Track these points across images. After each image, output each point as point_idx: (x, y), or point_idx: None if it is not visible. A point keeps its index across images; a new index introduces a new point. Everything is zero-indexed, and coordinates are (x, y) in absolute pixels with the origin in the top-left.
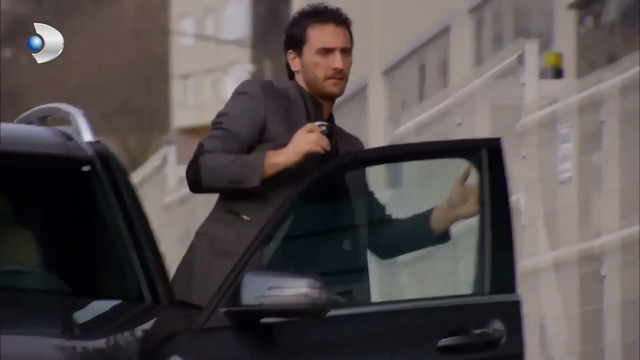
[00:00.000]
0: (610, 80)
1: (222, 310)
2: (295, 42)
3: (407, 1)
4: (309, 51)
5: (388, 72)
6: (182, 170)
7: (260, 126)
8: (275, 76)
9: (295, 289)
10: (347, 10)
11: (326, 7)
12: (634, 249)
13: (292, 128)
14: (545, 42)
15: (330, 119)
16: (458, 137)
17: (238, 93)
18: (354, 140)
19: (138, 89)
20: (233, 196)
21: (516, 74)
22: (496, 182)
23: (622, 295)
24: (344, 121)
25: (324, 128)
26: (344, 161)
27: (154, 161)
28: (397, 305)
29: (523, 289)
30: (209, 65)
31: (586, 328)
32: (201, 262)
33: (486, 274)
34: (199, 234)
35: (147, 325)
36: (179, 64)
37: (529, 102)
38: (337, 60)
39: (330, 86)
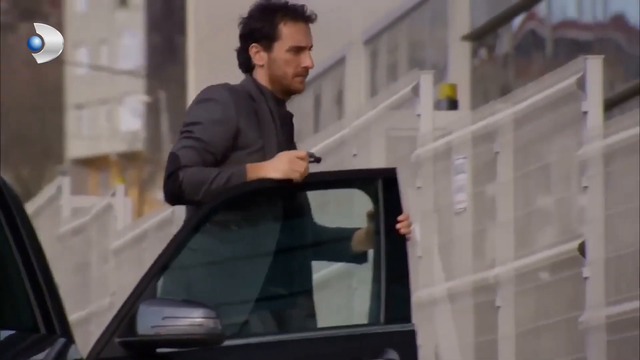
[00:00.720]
0: (504, 112)
1: (117, 340)
2: (263, 36)
3: None
4: (280, 48)
5: None
6: (76, 201)
7: (234, 133)
8: (169, 107)
9: (190, 319)
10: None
11: (294, 5)
12: (528, 279)
13: (261, 130)
14: (440, 74)
15: (289, 115)
16: (354, 168)
17: (205, 100)
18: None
19: (32, 119)
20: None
21: (411, 105)
22: (391, 212)
23: (516, 326)
24: None
25: (312, 159)
26: (243, 190)
27: (48, 192)
28: (294, 335)
29: (418, 319)
30: (103, 95)
31: (480, 358)
32: (197, 277)
33: (381, 303)
34: (189, 249)
35: (40, 356)
36: (73, 94)
37: (424, 133)
38: (307, 59)
39: (297, 83)
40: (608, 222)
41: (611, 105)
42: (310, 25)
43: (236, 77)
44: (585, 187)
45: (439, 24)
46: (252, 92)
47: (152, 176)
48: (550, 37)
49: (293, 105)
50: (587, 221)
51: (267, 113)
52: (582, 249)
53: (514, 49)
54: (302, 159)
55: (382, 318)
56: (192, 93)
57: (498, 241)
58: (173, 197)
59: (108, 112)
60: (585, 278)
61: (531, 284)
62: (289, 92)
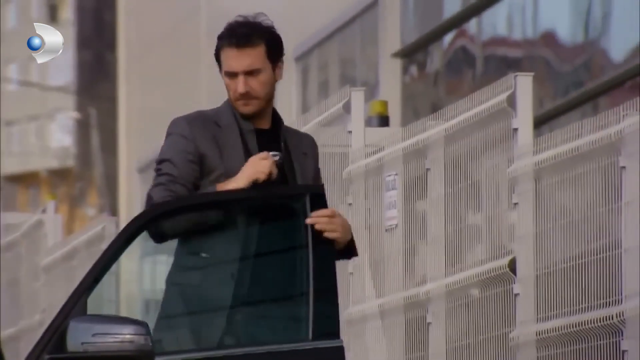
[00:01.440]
0: (435, 129)
1: (47, 357)
2: (217, 61)
3: None
4: (222, 73)
5: None
6: (7, 217)
7: (198, 161)
8: (100, 123)
9: (121, 336)
10: (174, 55)
11: (235, 26)
12: (458, 296)
13: (224, 156)
14: (371, 91)
15: (276, 124)
16: None
17: (168, 135)
18: (304, 137)
19: None
20: (190, 238)
21: (342, 121)
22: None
23: (448, 342)
24: None
25: (276, 158)
26: (168, 207)
27: None
28: (222, 351)
29: (349, 336)
30: (34, 111)
31: None
32: (180, 310)
33: (309, 319)
34: (172, 284)
35: None
36: (3, 110)
37: (356, 149)
38: (239, 85)
39: (240, 106)
40: (538, 239)
41: (541, 122)
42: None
43: (166, 94)
44: (516, 204)
45: (369, 41)
46: (220, 118)
47: (82, 192)
48: (481, 55)
49: None
50: (517, 238)
51: (233, 138)
52: (512, 265)
53: (445, 66)
54: (264, 159)
55: (310, 334)
56: (123, 109)
57: (429, 258)
58: (158, 236)
59: (38, 128)
60: (516, 294)
61: (462, 301)
62: (240, 115)
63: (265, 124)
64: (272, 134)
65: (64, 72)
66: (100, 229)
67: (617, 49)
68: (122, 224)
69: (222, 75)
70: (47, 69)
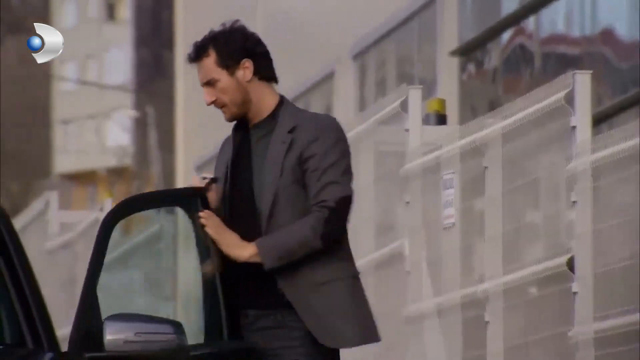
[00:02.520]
0: (492, 127)
1: (87, 356)
2: None
3: (291, 46)
4: None
5: None
6: (64, 216)
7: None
8: (157, 121)
9: (160, 335)
10: None
11: (194, 45)
12: (516, 294)
13: (223, 165)
14: (428, 89)
15: (267, 119)
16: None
17: None
18: (303, 123)
19: (19, 134)
20: None
21: (400, 120)
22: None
23: (505, 341)
24: None
25: (206, 180)
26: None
27: (35, 206)
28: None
29: (407, 335)
30: (91, 110)
31: None
32: None
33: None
34: None
35: None
36: (60, 109)
37: (413, 148)
38: (204, 97)
39: (223, 115)
40: (597, 236)
41: (599, 120)
42: (302, 40)
43: None
44: (574, 202)
45: (427, 39)
46: (230, 137)
47: (139, 191)
48: (539, 52)
49: None
50: (575, 236)
51: (228, 152)
52: (570, 263)
53: (503, 63)
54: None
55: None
56: (180, 107)
57: (486, 256)
58: None
59: (96, 127)
60: (574, 293)
61: (520, 299)
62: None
63: (256, 119)
64: (254, 136)
65: (122, 71)
66: (158, 227)
67: None
68: (180, 222)
69: None
70: (104, 67)
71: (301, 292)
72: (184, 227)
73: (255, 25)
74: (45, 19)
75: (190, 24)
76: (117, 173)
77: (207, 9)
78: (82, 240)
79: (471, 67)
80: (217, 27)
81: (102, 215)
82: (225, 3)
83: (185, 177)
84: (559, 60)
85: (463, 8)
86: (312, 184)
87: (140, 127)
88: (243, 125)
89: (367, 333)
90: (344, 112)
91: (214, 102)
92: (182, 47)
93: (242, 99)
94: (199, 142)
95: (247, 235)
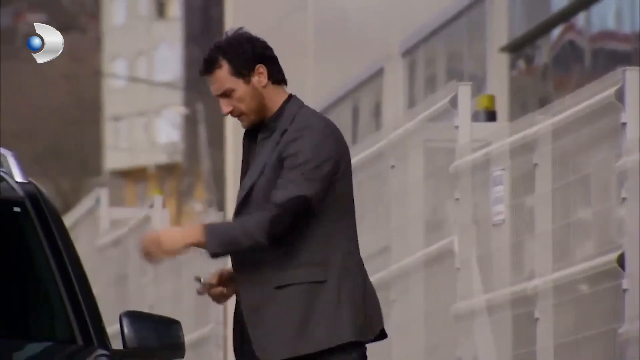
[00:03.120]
0: (542, 123)
1: (100, 352)
2: None
3: (341, 43)
4: None
5: (321, 113)
6: (114, 213)
7: None
8: (207, 119)
9: (169, 333)
10: (280, 50)
11: (204, 59)
12: (566, 291)
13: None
14: (478, 85)
15: (275, 120)
16: (392, 180)
17: None
18: (301, 121)
19: (70, 131)
20: None
21: (449, 116)
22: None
23: (555, 338)
24: None
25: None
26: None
27: (86, 203)
28: None
29: (457, 331)
30: (141, 107)
31: None
32: None
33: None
34: None
35: None
36: (110, 106)
37: (462, 144)
38: (222, 107)
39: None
40: None
41: None
42: (351, 36)
43: None
44: (624, 199)
45: (476, 35)
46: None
47: (190, 188)
48: (589, 48)
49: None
50: (626, 233)
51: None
52: (621, 260)
53: (553, 60)
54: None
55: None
56: None
57: (536, 253)
58: None
59: (146, 124)
60: (625, 290)
61: (570, 296)
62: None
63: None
64: (268, 129)
65: (172, 68)
66: None
67: None
68: (229, 219)
69: None
70: (154, 64)
71: (258, 297)
72: None
73: (306, 21)
74: (96, 17)
75: (240, 21)
76: (167, 170)
77: (256, 6)
78: (133, 237)
79: (521, 64)
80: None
81: (152, 212)
82: (275, 0)
83: (235, 174)
84: (609, 57)
85: (513, 4)
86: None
87: (189, 124)
88: (255, 127)
89: (301, 344)
90: (393, 109)
91: (231, 113)
92: None
93: (258, 105)
94: None
95: None
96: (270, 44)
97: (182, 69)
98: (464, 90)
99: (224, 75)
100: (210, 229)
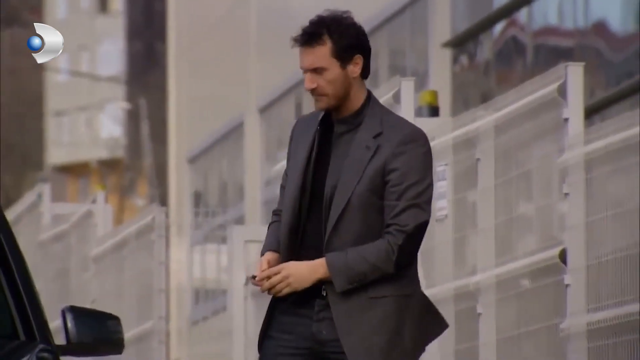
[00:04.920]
0: (485, 119)
1: (41, 346)
2: None
3: (284, 38)
4: None
5: (264, 109)
6: (56, 208)
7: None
8: (150, 113)
9: (109, 327)
10: (223, 45)
11: (306, 25)
12: (509, 286)
13: (293, 159)
14: (421, 81)
15: (357, 115)
16: None
17: None
18: (389, 130)
19: (12, 126)
20: None
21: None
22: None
23: (498, 333)
24: (220, 160)
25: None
26: None
27: (28, 198)
28: None
29: None
30: (84, 102)
31: None
32: None
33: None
34: None
35: None
36: (53, 100)
37: None
38: (306, 81)
39: (314, 101)
40: (589, 228)
41: (592, 112)
42: (294, 32)
43: (216, 83)
44: (566, 194)
45: (419, 30)
46: (308, 118)
47: (132, 183)
48: (531, 44)
49: (272, 113)
50: (568, 228)
51: (307, 140)
52: (563, 256)
53: (495, 55)
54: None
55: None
56: (173, 99)
57: (479, 248)
58: None
59: (88, 119)
60: (566, 285)
61: (512, 291)
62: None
63: (341, 114)
64: (337, 131)
65: (114, 62)
66: (150, 219)
67: None
68: (172, 214)
69: None
70: (96, 59)
71: (354, 305)
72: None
73: (249, 16)
74: (39, 11)
75: (182, 15)
76: (109, 165)
77: (199, 2)
78: (75, 232)
79: (463, 59)
80: (326, 12)
81: (94, 207)
82: None
83: (177, 169)
84: (551, 53)
85: (455, 0)
86: (391, 200)
87: (132, 119)
88: (326, 117)
89: (394, 354)
90: None
91: (314, 90)
92: (174, 38)
93: (344, 93)
94: (191, 133)
95: (310, 235)
96: (213, 39)
97: (125, 64)
98: (407, 86)
99: (323, 53)
100: (335, 266)
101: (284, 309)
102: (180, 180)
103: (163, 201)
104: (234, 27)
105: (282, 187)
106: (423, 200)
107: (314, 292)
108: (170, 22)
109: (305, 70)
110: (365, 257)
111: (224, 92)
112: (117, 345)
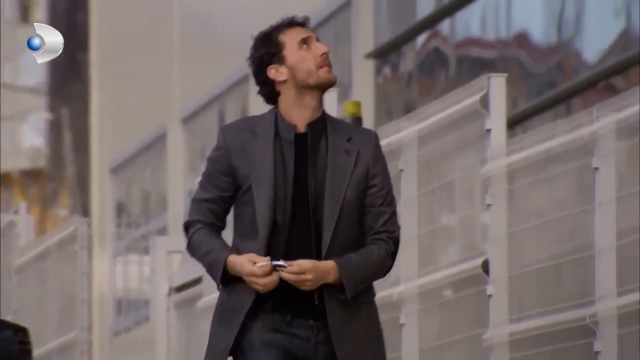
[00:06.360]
0: (408, 129)
1: None
2: (272, 54)
3: (207, 49)
4: (291, 51)
5: (187, 119)
6: None
7: (230, 173)
8: (72, 124)
9: (11, 338)
10: (146, 56)
11: (284, 18)
12: (432, 297)
13: (252, 169)
14: (344, 91)
15: (321, 121)
16: None
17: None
18: (356, 134)
19: None
20: None
21: None
22: None
23: (421, 343)
24: (142, 171)
25: (282, 267)
26: None
27: None
28: None
29: None
30: (5, 112)
31: None
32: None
33: None
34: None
35: None
36: None
37: None
38: (320, 46)
39: (324, 73)
40: (511, 239)
41: (514, 123)
42: (217, 43)
43: (139, 94)
44: (489, 205)
45: (342, 41)
46: (261, 125)
47: (54, 193)
48: (454, 55)
49: (195, 123)
50: (490, 239)
51: (266, 151)
52: (485, 266)
53: (418, 67)
54: (252, 275)
55: None
56: (95, 110)
57: (402, 259)
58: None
59: (10, 129)
60: (489, 295)
61: (435, 302)
62: (321, 87)
63: (301, 127)
64: (311, 137)
65: (36, 73)
66: (72, 229)
67: (590, 49)
68: (94, 225)
69: (291, 55)
70: (18, 69)
71: (349, 311)
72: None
73: (172, 28)
74: None
75: (106, 27)
76: (31, 175)
77: (122, 13)
78: None
79: (386, 70)
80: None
81: (17, 218)
82: (141, 5)
83: (100, 179)
84: (474, 64)
85: (378, 10)
86: (377, 206)
87: (54, 129)
88: (269, 123)
89: (382, 355)
90: (260, 112)
91: (326, 53)
92: (97, 49)
93: None
94: (113, 144)
95: (300, 240)
96: (136, 50)
97: (47, 74)
98: (331, 97)
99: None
100: (346, 271)
101: (268, 326)
102: (102, 191)
103: (85, 212)
104: (156, 38)
105: (205, 201)
106: (395, 209)
107: (299, 298)
108: (92, 33)
109: (311, 38)
110: (368, 264)
111: (146, 103)
112: (24, 356)
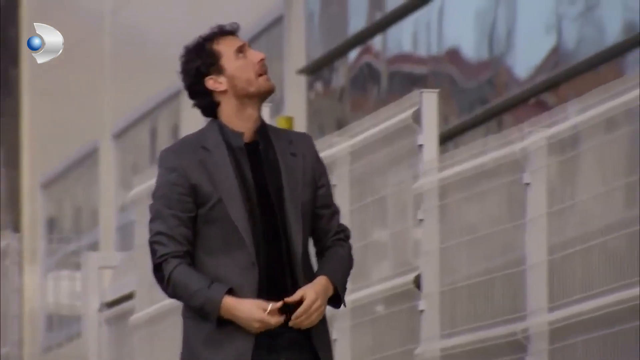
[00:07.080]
0: (340, 145)
1: None
2: (208, 65)
3: (139, 64)
4: (228, 59)
5: (119, 134)
6: None
7: (191, 193)
8: (2, 139)
9: None
10: (77, 71)
11: (214, 27)
12: (363, 312)
13: (215, 183)
14: (276, 107)
15: (262, 128)
16: None
17: (158, 169)
18: (295, 137)
19: None
20: None
21: None
22: None
23: (353, 359)
24: (74, 186)
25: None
26: None
27: None
28: None
29: None
30: None
31: None
32: (187, 346)
33: None
34: (185, 317)
35: None
36: None
37: None
38: (256, 54)
39: (263, 81)
40: (443, 255)
41: (446, 138)
42: (149, 57)
43: (70, 109)
44: (421, 220)
45: (274, 56)
46: (207, 139)
47: None
48: (386, 71)
49: (127, 139)
50: (422, 254)
51: (222, 159)
52: (417, 281)
53: (350, 82)
54: (261, 321)
55: None
56: (26, 125)
57: None
58: (161, 287)
59: None
60: (421, 311)
61: (367, 317)
62: (261, 96)
63: (248, 136)
64: (261, 143)
65: None
66: (4, 245)
67: (521, 66)
68: (25, 241)
69: (229, 63)
70: None
71: (322, 320)
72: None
73: (104, 42)
74: None
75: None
76: None
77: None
78: None
79: (319, 86)
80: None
81: None
82: (71, 20)
83: (31, 195)
84: (406, 79)
85: (310, 26)
86: (329, 207)
87: None
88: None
89: None
90: (191, 129)
91: (264, 60)
92: (27, 63)
93: None
94: (44, 159)
95: (271, 245)
96: (67, 64)
97: None
98: (263, 112)
99: None
100: (339, 283)
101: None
102: (33, 206)
103: (16, 227)
104: (87, 53)
105: (175, 227)
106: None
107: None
108: (23, 48)
109: (244, 46)
110: (344, 268)
111: (78, 118)
112: None
